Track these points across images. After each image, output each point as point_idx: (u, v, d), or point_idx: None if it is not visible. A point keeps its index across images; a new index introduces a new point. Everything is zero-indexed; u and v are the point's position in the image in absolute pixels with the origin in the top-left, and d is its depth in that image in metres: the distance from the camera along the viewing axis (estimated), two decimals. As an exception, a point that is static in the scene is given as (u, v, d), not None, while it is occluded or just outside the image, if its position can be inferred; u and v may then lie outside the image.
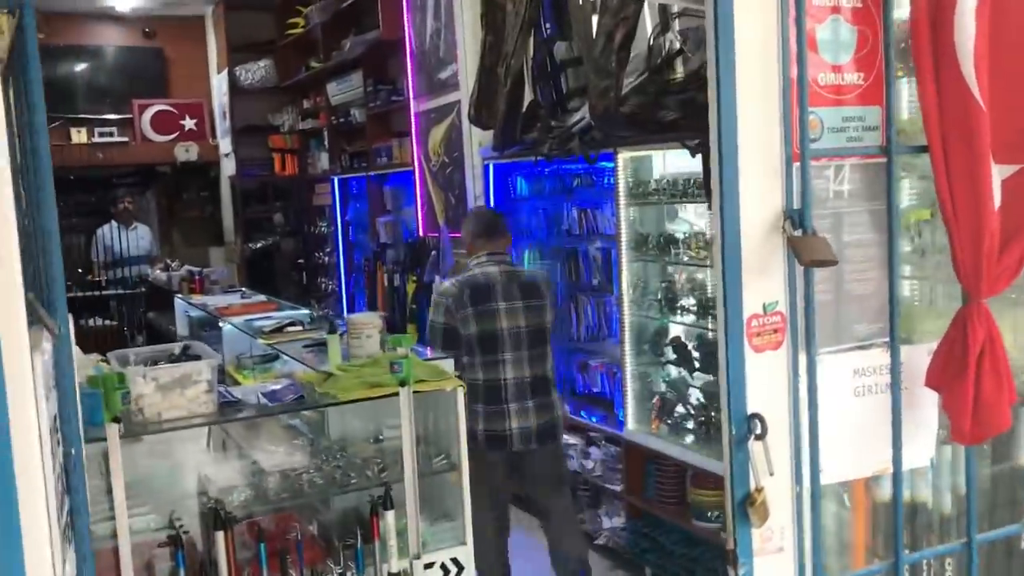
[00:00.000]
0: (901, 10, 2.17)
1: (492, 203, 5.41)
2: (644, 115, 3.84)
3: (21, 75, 1.33)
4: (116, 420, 2.41)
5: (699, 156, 3.68)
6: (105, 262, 8.61)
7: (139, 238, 8.81)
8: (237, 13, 8.79)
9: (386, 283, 6.65)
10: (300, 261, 8.96)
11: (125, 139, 9.22)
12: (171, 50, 9.47)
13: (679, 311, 4.23)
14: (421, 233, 6.33)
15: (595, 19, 4.72)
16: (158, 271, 7.89)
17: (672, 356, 4.28)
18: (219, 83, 9.18)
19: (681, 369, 4.27)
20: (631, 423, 4.41)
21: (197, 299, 5.95)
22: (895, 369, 2.16)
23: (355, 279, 8.04)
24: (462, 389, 2.98)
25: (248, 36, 8.85)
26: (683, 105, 3.65)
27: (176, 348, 2.98)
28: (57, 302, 1.33)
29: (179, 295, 6.41)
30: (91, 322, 8.52)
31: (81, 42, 9.08)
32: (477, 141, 5.52)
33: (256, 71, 8.78)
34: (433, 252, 5.78)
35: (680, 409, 4.29)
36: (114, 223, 8.67)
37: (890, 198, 2.16)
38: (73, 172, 8.55)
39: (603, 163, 4.44)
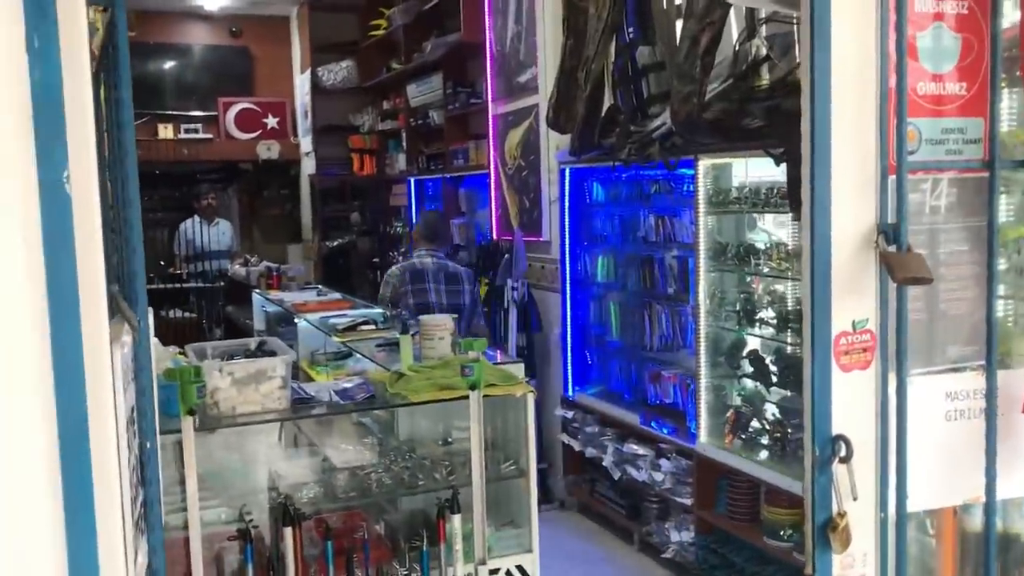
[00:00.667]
0: (1007, 17, 2.06)
1: (567, 207, 5.37)
2: (728, 122, 3.76)
3: (112, 71, 1.34)
4: (191, 413, 2.44)
5: (784, 165, 3.59)
6: (187, 255, 8.82)
7: (220, 233, 9.01)
8: (321, 14, 8.93)
9: (459, 285, 6.64)
10: (375, 260, 9.03)
11: (209, 136, 9.44)
12: (256, 49, 9.66)
13: (757, 323, 4.13)
14: (494, 236, 6.32)
15: (679, 24, 4.68)
16: (237, 266, 8.04)
17: (749, 369, 4.18)
18: (302, 83, 9.33)
19: (757, 383, 4.17)
20: (704, 436, 4.32)
21: (274, 295, 6.04)
22: (991, 394, 2.05)
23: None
24: (532, 395, 2.94)
25: (331, 37, 8.98)
26: (769, 112, 3.56)
27: (252, 343, 3.01)
28: (138, 296, 1.34)
29: (257, 290, 6.51)
30: (171, 314, 8.73)
31: (170, 40, 9.32)
32: (554, 145, 5.49)
33: (338, 71, 8.90)
34: (506, 255, 5.76)
35: (755, 424, 4.19)
36: (197, 218, 8.88)
37: (991, 214, 2.06)
38: (159, 167, 8.78)
39: (682, 170, 4.36)
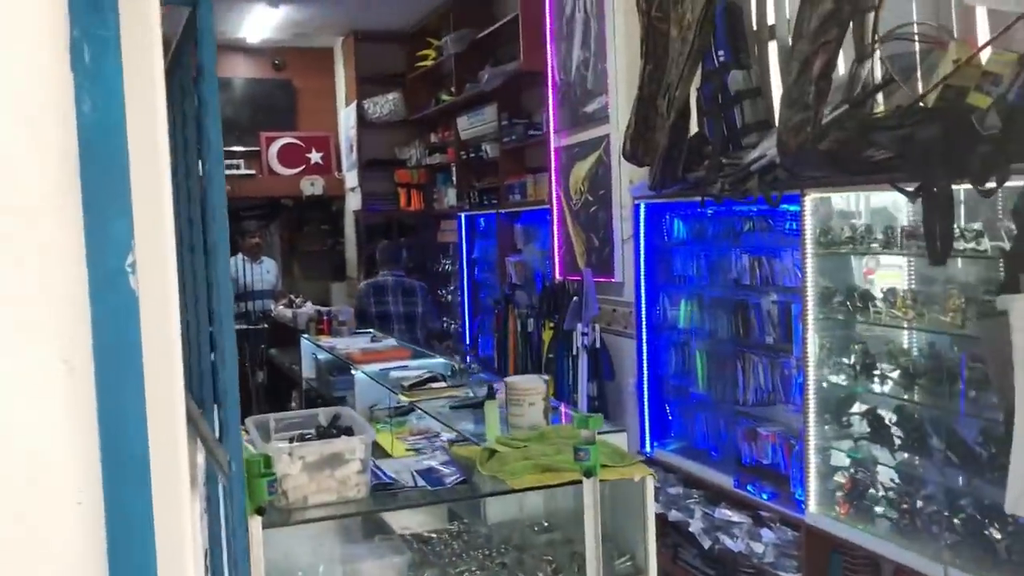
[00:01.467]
0: None
1: (642, 246, 4.94)
2: (848, 153, 3.33)
3: (187, 97, 0.95)
4: (260, 512, 2.02)
5: (918, 202, 3.15)
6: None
7: (265, 271, 8.70)
8: (367, 44, 8.64)
9: (518, 328, 6.23)
10: (423, 299, 8.66)
11: (252, 172, 9.14)
12: (299, 82, 9.38)
13: (876, 379, 3.66)
14: (558, 275, 5.91)
15: (772, 46, 4.27)
16: (282, 307, 7.68)
17: (865, 430, 3.71)
18: (346, 116, 9.02)
19: (876, 446, 3.69)
20: (813, 504, 3.84)
21: (325, 341, 5.65)
22: None
23: (480, 320, 7.67)
24: (652, 478, 2.50)
25: (377, 68, 8.68)
26: (900, 142, 3.12)
27: (322, 416, 2.60)
28: (230, 427, 0.93)
29: (306, 335, 6.14)
30: (211, 356, 8.37)
31: (212, 74, 9.04)
32: (627, 179, 5.07)
33: (384, 104, 8.58)
34: (574, 297, 5.33)
35: (872, 491, 3.71)
36: (240, 256, 8.57)
37: None
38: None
39: (784, 206, 3.91)
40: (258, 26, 8.47)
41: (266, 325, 8.21)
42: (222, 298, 0.95)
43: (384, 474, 2.47)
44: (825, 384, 3.87)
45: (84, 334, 0.71)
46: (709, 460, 4.62)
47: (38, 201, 0.69)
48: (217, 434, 1.04)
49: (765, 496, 4.13)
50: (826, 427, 3.93)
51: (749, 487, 4.23)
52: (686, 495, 4.63)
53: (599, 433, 2.78)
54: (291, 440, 2.38)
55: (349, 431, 2.43)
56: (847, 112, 3.44)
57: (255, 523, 2.04)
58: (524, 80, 6.35)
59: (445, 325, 8.38)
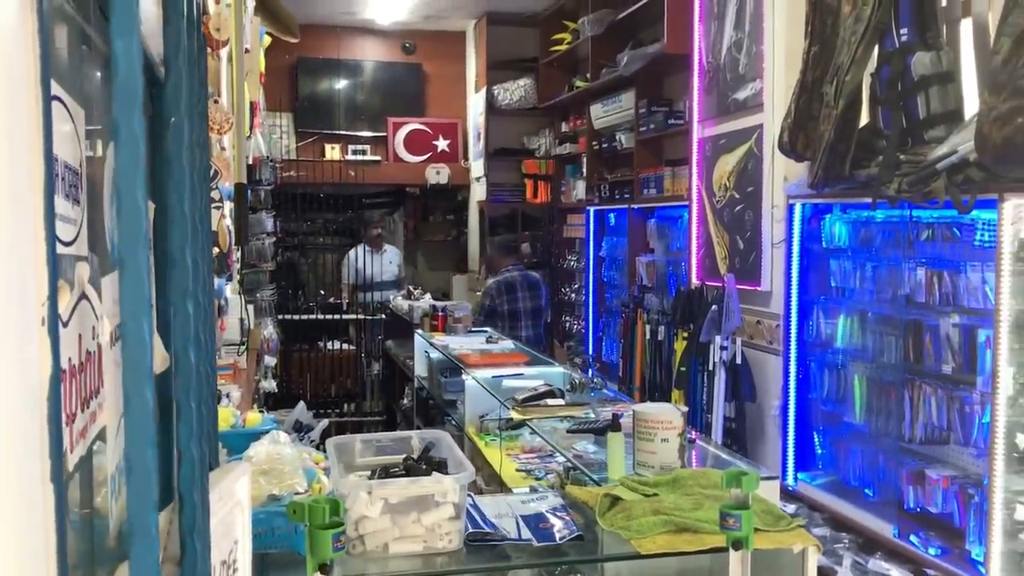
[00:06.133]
0: None
1: (796, 251, 4.36)
2: (1071, 150, 2.70)
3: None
4: (324, 570, 1.62)
5: None
6: (353, 285, 8.32)
7: (387, 262, 8.49)
8: (500, 28, 8.26)
9: (647, 335, 5.72)
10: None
11: (377, 158, 8.92)
12: (429, 66, 9.09)
13: (1087, 426, 3.00)
14: (695, 279, 5.36)
15: (966, 24, 3.63)
16: (400, 298, 7.40)
17: (1068, 486, 3.06)
18: (475, 102, 8.68)
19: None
20: (996, 570, 3.20)
21: (439, 339, 5.29)
22: None
23: (605, 322, 7.19)
24: (816, 550, 1.98)
25: (509, 52, 8.30)
26: None
27: (416, 439, 2.19)
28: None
29: (419, 331, 5.80)
30: (330, 345, 8.22)
31: (339, 56, 8.85)
32: (781, 175, 4.50)
33: (515, 90, 8.19)
34: (713, 306, 4.79)
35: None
36: (364, 246, 8.37)
37: None
38: (324, 189, 8.29)
39: (976, 212, 3.29)
40: (388, 8, 8.21)
41: (384, 316, 7.97)
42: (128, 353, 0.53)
43: (483, 520, 2.05)
44: (1017, 425, 3.23)
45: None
46: (864, 501, 4.02)
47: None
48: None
49: (933, 551, 3.51)
50: (1014, 475, 3.29)
51: (913, 538, 3.62)
52: (834, 538, 4.03)
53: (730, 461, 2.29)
54: (373, 474, 1.98)
55: (443, 466, 2.01)
56: (1069, 100, 2.80)
57: (317, 583, 1.65)
58: (666, 64, 5.82)
59: (568, 325, 7.96)
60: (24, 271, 0.48)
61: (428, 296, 7.37)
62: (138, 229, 0.50)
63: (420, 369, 5.76)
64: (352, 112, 8.92)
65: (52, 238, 0.50)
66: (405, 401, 6.79)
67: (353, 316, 8.28)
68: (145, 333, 0.49)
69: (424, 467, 1.97)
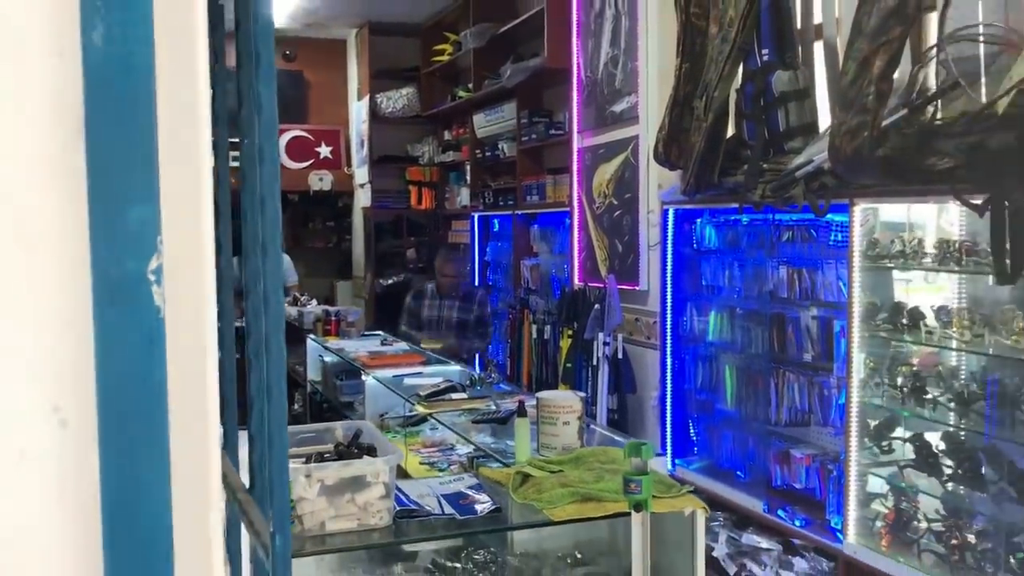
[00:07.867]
0: None
1: (670, 253, 4.71)
2: (908, 160, 3.10)
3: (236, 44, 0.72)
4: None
5: (987, 216, 2.92)
6: (235, 292, 8.25)
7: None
8: (381, 38, 8.41)
9: (533, 334, 6.00)
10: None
11: (259, 164, 8.90)
12: (311, 74, 9.14)
13: (926, 403, 3.42)
14: (578, 281, 5.67)
15: (818, 46, 4.04)
16: (286, 305, 7.44)
17: (910, 457, 3.48)
18: (358, 110, 8.79)
19: (922, 474, 3.46)
20: (852, 534, 3.61)
21: (333, 343, 5.41)
22: None
23: (492, 325, 7.43)
24: (703, 512, 2.27)
25: (391, 62, 8.45)
26: (971, 150, 2.89)
27: (340, 430, 2.37)
28: (274, 492, 0.70)
29: (312, 336, 5.90)
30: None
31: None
32: (656, 182, 4.85)
33: (398, 99, 8.35)
34: (596, 305, 5.10)
35: (916, 523, 3.48)
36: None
37: None
38: (205, 196, 8.22)
39: (830, 215, 3.69)
40: (270, 15, 8.23)
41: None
42: (271, 315, 0.72)
43: (407, 498, 2.24)
44: (866, 407, 3.64)
45: (84, 371, 0.48)
46: (736, 481, 4.39)
47: (19, 174, 0.46)
48: (248, 483, 0.81)
49: (798, 523, 3.90)
50: (866, 451, 3.70)
51: (780, 512, 4.00)
52: (710, 518, 4.38)
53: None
54: (307, 459, 2.14)
55: (372, 451, 2.20)
56: (906, 117, 3.22)
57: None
58: (547, 77, 6.11)
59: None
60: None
61: (315, 302, 7.43)
62: (276, 225, 0.68)
63: (313, 374, 5.85)
64: (229, 119, 8.86)
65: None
66: (296, 407, 6.85)
67: (239, 323, 8.23)
68: (281, 296, 0.67)
69: (356, 451, 2.15)
